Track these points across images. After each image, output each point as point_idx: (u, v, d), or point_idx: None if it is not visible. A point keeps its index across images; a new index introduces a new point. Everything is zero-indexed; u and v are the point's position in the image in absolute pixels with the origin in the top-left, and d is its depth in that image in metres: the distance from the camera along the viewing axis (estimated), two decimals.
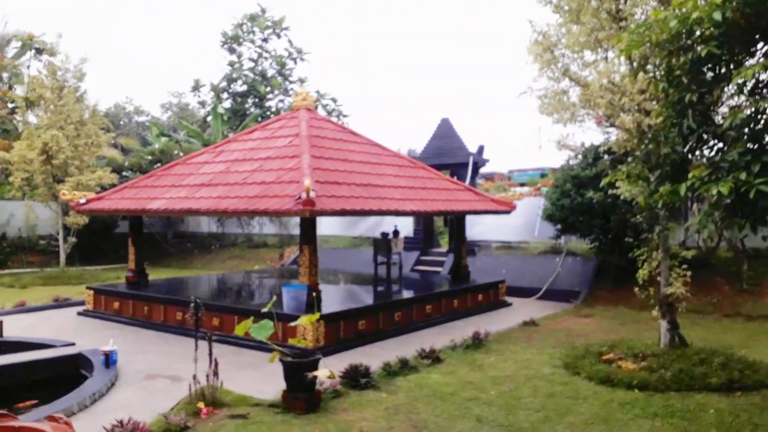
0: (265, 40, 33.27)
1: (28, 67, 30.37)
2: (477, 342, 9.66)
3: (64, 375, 8.55)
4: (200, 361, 6.93)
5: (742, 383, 7.25)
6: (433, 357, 8.66)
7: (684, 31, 5.41)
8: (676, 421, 6.20)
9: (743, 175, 4.74)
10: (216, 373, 6.86)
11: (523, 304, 14.18)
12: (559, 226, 15.15)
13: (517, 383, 7.64)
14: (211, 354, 6.88)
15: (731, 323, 11.75)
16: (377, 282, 14.34)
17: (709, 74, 5.64)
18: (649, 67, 6.73)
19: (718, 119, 5.76)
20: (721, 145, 5.53)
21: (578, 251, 16.47)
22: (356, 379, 7.42)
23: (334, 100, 33.40)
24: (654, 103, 7.36)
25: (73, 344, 9.51)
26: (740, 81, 5.04)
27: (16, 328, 10.99)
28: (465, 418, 6.36)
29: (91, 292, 13.00)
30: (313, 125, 12.56)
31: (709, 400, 6.83)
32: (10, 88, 29.19)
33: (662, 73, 6.02)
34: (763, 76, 5.55)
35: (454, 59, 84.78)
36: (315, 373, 6.56)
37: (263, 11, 32.96)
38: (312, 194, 8.93)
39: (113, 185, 18.50)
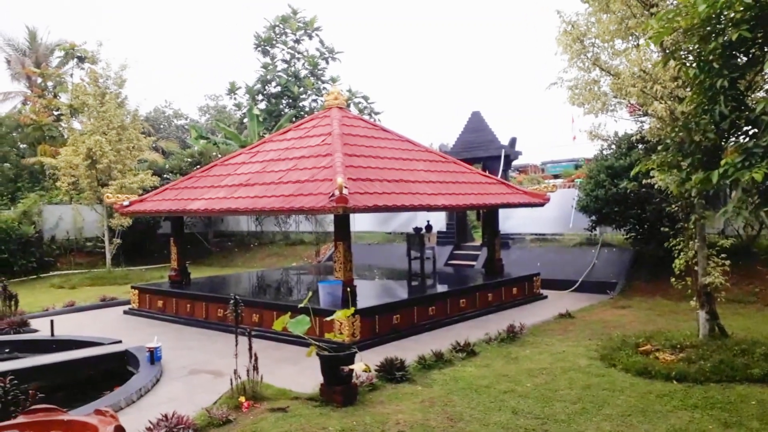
0: (297, 41, 33.70)
1: (71, 75, 31.47)
2: (512, 335, 9.66)
3: (112, 371, 8.91)
4: (241, 356, 7.12)
5: None
6: (468, 350, 8.71)
7: (714, 15, 5.32)
8: (717, 413, 6.10)
9: None
10: (256, 368, 7.05)
11: (558, 297, 14.06)
12: (593, 217, 14.97)
13: (553, 375, 7.63)
14: (251, 349, 7.08)
15: None
16: (411, 277, 14.42)
17: (742, 58, 5.53)
18: (681, 53, 6.63)
19: (753, 104, 5.64)
20: (755, 130, 5.43)
21: (614, 242, 16.24)
22: (392, 372, 7.53)
23: (365, 98, 33.63)
24: (687, 89, 7.24)
25: (120, 342, 9.88)
26: None
27: (66, 326, 11.45)
28: (501, 411, 6.39)
29: (136, 291, 13.45)
30: (345, 123, 12.72)
31: (751, 392, 6.70)
32: (55, 96, 30.26)
33: (693, 58, 5.93)
34: None
35: (486, 52, 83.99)
36: (351, 366, 6.68)
37: (294, 13, 33.35)
38: (345, 191, 9.05)
39: (155, 187, 19.04)
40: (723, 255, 8.22)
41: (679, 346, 8.09)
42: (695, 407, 6.30)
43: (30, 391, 4.95)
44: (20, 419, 3.12)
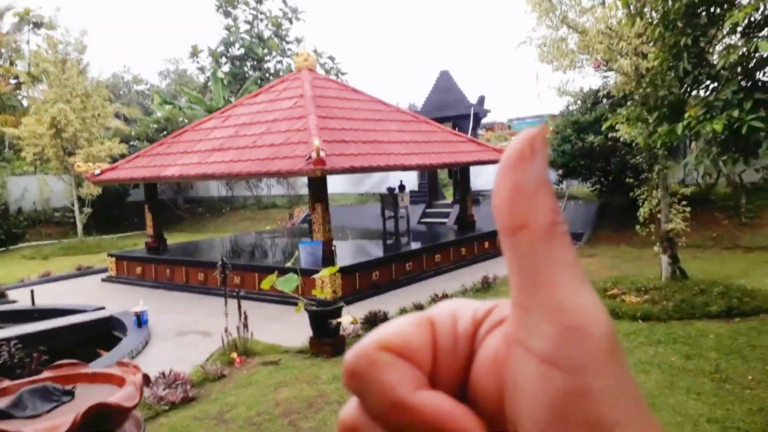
0: (259, 1, 32.92)
1: (28, 42, 30.24)
2: (486, 285, 10.12)
3: (98, 337, 9.05)
4: (228, 316, 7.37)
5: (740, 310, 7.60)
6: None
7: None
8: (679, 346, 6.59)
9: (736, 113, 5.01)
10: (246, 326, 7.31)
11: None
12: (560, 171, 15.44)
13: None
14: (240, 308, 7.30)
15: (730, 255, 12.15)
16: (386, 236, 14.75)
17: (704, 17, 5.84)
18: (645, 11, 6.91)
19: (713, 60, 5.98)
20: (715, 84, 5.78)
21: (580, 195, 16.82)
22: (376, 323, 7.86)
23: (332, 59, 33.26)
24: (651, 45, 7.56)
25: (104, 308, 10.00)
26: (733, 22, 5.26)
27: (45, 296, 11.45)
28: None
29: (113, 259, 13.47)
30: (316, 85, 12.74)
31: (710, 327, 7.21)
32: (12, 63, 29.13)
33: (658, 17, 6.22)
34: (755, 16, 5.76)
35: (452, 9, 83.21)
36: (339, 319, 7.00)
37: None
38: (322, 153, 9.22)
39: (123, 155, 18.78)
40: (684, 203, 8.71)
41: (643, 288, 8.61)
42: (659, 342, 6.79)
43: (35, 354, 5.11)
44: (46, 374, 3.30)
